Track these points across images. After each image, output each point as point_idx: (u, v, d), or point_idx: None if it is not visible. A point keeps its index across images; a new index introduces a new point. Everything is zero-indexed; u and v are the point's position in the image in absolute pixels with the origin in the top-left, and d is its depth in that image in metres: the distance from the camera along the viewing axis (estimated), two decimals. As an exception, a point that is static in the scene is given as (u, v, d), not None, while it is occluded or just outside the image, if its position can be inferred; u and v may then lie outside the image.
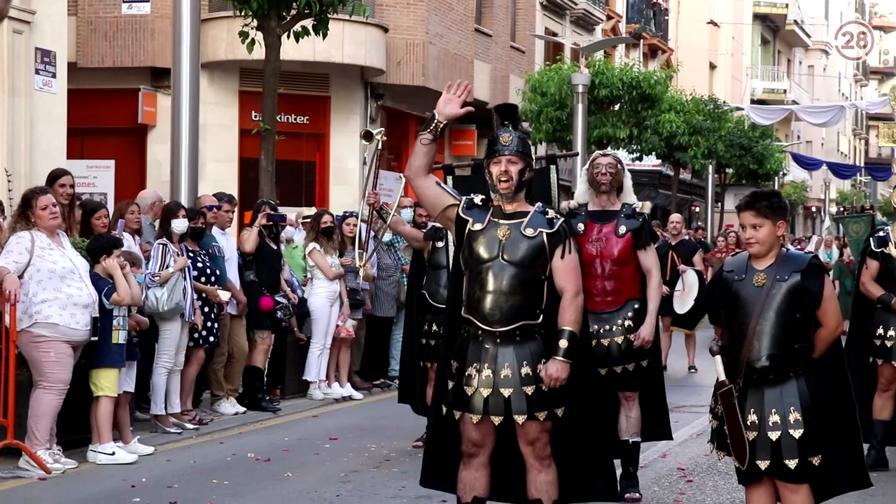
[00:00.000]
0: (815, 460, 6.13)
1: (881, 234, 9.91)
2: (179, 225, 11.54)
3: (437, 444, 6.83)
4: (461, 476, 6.62)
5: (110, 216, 11.62)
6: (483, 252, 6.49)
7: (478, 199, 6.64)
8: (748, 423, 6.16)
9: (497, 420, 6.47)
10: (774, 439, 6.11)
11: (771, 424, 6.12)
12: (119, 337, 10.06)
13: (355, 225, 14.41)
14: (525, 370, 6.43)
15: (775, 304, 6.15)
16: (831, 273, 22.60)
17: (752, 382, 6.18)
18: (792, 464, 6.10)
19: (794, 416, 6.10)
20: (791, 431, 6.09)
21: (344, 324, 14.14)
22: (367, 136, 11.00)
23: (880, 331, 9.72)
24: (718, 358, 6.21)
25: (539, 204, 6.65)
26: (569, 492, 6.76)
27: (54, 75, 16.14)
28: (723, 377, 6.17)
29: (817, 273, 6.24)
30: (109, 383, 10.00)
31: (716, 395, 6.25)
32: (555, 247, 6.49)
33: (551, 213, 6.59)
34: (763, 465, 6.14)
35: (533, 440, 6.50)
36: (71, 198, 10.84)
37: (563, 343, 6.37)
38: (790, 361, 6.15)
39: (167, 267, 11.21)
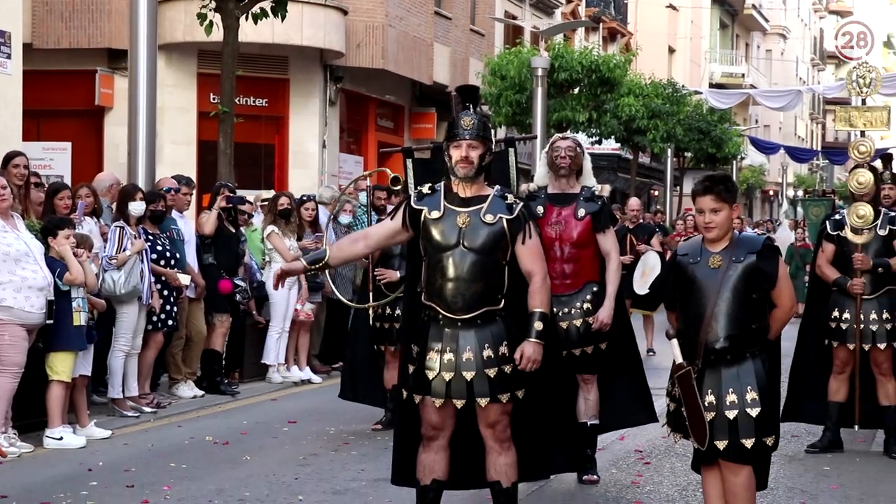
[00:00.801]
0: (769, 440, 6.17)
1: (837, 217, 9.97)
2: (137, 207, 11.47)
3: (406, 437, 6.81)
4: (420, 458, 6.62)
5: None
6: (443, 240, 6.49)
7: (425, 188, 6.66)
8: (706, 403, 6.16)
9: (459, 403, 6.47)
10: (732, 418, 6.12)
11: (728, 404, 6.13)
12: (80, 319, 10.01)
13: (314, 210, 14.39)
14: (487, 353, 6.44)
15: (731, 284, 6.18)
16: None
17: (710, 363, 6.20)
18: (749, 443, 6.11)
19: (750, 395, 6.12)
20: (748, 410, 6.12)
21: (302, 307, 14.12)
22: (395, 181, 10.90)
23: (835, 313, 9.79)
24: (675, 341, 6.23)
25: (498, 187, 6.65)
26: (529, 470, 6.79)
27: (9, 56, 15.98)
28: (680, 360, 6.19)
29: (771, 254, 6.29)
30: (64, 367, 9.95)
31: (673, 377, 6.26)
32: (515, 233, 6.50)
33: (510, 198, 6.60)
34: (721, 444, 6.14)
35: (494, 423, 6.51)
36: (25, 179, 10.74)
37: (538, 325, 6.40)
38: (747, 342, 6.18)
39: (124, 250, 11.15)
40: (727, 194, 6.25)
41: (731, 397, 6.14)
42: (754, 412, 6.11)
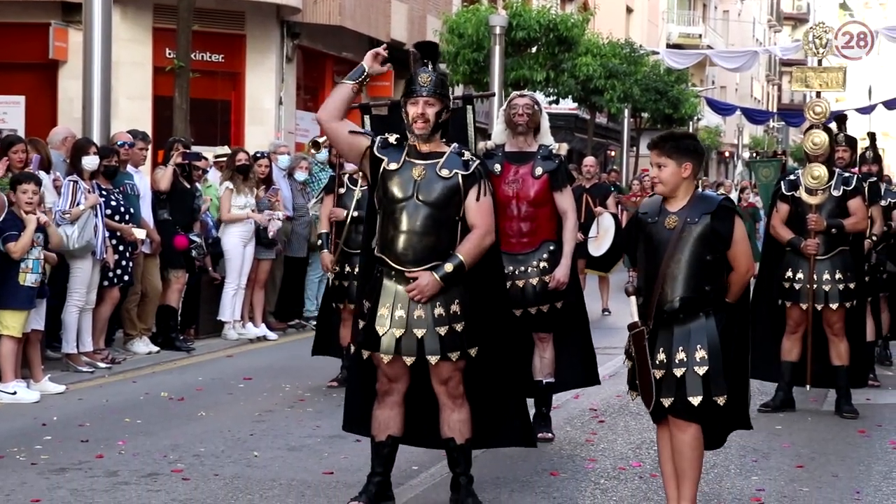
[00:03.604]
0: (721, 400, 6.12)
1: (792, 177, 10.03)
2: (90, 162, 11.39)
3: (358, 387, 6.83)
4: (375, 415, 6.65)
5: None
6: (397, 192, 6.49)
7: (392, 138, 6.63)
8: (657, 361, 6.15)
9: (409, 360, 6.48)
10: (679, 376, 6.10)
11: (677, 362, 6.11)
12: (27, 279, 9.94)
13: (267, 166, 14.31)
14: (438, 311, 6.45)
15: (686, 246, 6.11)
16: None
17: (663, 322, 6.17)
18: (696, 401, 6.08)
19: (700, 353, 6.09)
20: (696, 368, 6.09)
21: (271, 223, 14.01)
22: (315, 145, 10.95)
23: (789, 273, 9.85)
24: (633, 299, 6.19)
25: (455, 145, 6.65)
26: (483, 437, 6.81)
27: (-38, 8, 15.79)
28: (635, 318, 6.17)
29: (727, 215, 6.18)
30: (14, 322, 9.90)
31: (629, 336, 6.24)
32: (469, 188, 6.50)
33: (467, 155, 6.61)
34: (667, 402, 6.14)
35: (445, 379, 6.54)
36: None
37: (448, 267, 6.39)
38: (700, 303, 6.14)
39: (78, 204, 11.08)
40: (674, 150, 6.14)
41: (681, 355, 6.11)
42: (702, 370, 6.08)
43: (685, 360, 6.12)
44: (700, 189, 6.39)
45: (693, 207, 6.18)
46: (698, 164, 6.25)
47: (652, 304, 6.16)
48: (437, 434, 6.71)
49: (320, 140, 10.90)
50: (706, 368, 6.09)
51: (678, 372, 6.12)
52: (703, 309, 6.15)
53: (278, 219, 14.04)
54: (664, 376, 6.15)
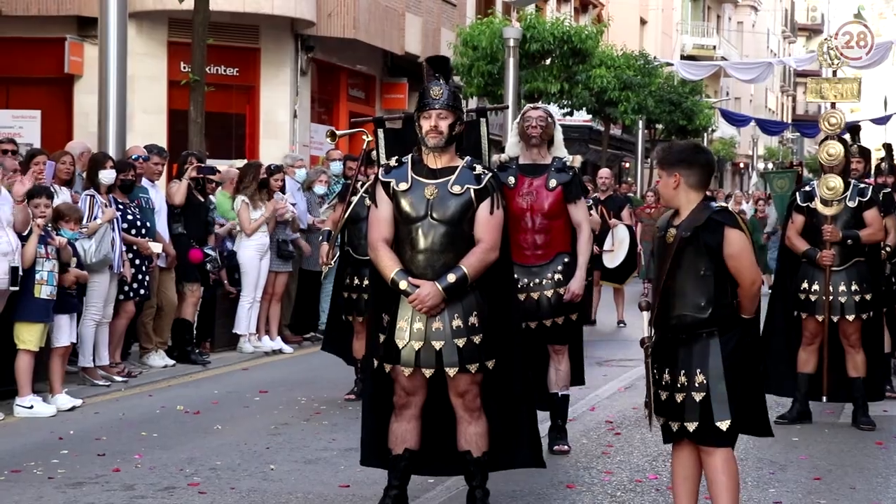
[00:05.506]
0: (723, 425, 5.86)
1: (808, 188, 10.01)
2: (107, 176, 11.43)
3: (375, 415, 6.79)
4: (392, 428, 6.64)
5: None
6: (411, 212, 6.51)
7: (392, 161, 6.67)
8: (662, 382, 5.98)
9: (428, 373, 6.49)
10: (679, 401, 5.91)
11: (678, 385, 5.92)
12: (41, 292, 9.96)
13: (281, 180, 14.33)
14: (456, 322, 6.45)
15: (681, 261, 5.90)
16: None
17: (669, 341, 5.98)
18: (692, 426, 5.88)
19: (699, 378, 5.87)
20: (694, 394, 5.87)
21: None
22: (332, 135, 11.01)
23: (805, 285, 9.83)
24: (646, 314, 6.01)
25: (468, 158, 6.66)
26: (496, 458, 6.79)
27: (-22, 23, 15.86)
28: (645, 333, 6.01)
29: (716, 227, 5.84)
30: (31, 337, 9.92)
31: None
32: (481, 201, 6.51)
33: (479, 169, 6.61)
34: (675, 426, 5.96)
35: (463, 392, 6.54)
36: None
37: (451, 277, 6.39)
38: (700, 322, 5.89)
39: (95, 218, 11.11)
40: (663, 161, 5.94)
41: (682, 379, 5.91)
42: (699, 396, 5.86)
43: (685, 384, 5.90)
44: (714, 201, 6.26)
45: (689, 220, 5.93)
46: (696, 174, 5.95)
47: (660, 319, 5.99)
48: (452, 460, 6.71)
49: (338, 132, 10.92)
50: (703, 394, 5.87)
51: (679, 397, 5.93)
52: (706, 328, 5.91)
53: (292, 204, 14.19)
54: (668, 398, 5.98)
